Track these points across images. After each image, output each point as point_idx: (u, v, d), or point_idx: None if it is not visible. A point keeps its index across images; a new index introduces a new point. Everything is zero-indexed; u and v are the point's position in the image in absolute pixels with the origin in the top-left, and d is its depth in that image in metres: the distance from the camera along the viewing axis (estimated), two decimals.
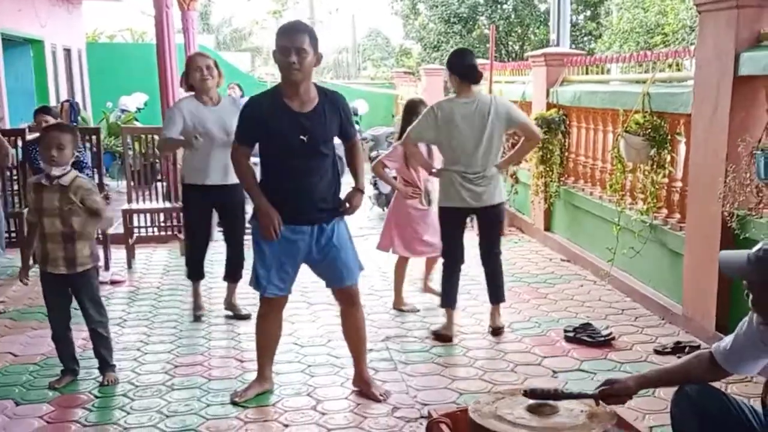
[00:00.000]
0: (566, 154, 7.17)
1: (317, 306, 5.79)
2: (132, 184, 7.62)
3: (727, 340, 2.74)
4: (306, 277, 6.44)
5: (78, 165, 7.17)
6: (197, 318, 5.51)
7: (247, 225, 4.48)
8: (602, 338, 4.87)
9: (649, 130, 5.43)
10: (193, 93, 5.34)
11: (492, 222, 5.14)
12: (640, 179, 5.71)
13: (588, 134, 6.83)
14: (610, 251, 5.88)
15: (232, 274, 5.59)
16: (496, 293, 5.17)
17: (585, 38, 18.96)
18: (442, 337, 5.00)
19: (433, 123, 4.86)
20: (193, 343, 5.04)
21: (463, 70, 4.90)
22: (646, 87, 5.58)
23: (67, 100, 12.46)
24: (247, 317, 5.43)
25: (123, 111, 13.72)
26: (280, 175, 3.86)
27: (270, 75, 19.00)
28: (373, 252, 7.57)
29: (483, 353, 4.79)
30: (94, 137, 7.93)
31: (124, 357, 4.76)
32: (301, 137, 3.74)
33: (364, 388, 4.16)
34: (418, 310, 5.63)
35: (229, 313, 5.59)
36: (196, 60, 5.30)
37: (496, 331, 5.08)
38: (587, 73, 6.99)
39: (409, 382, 4.33)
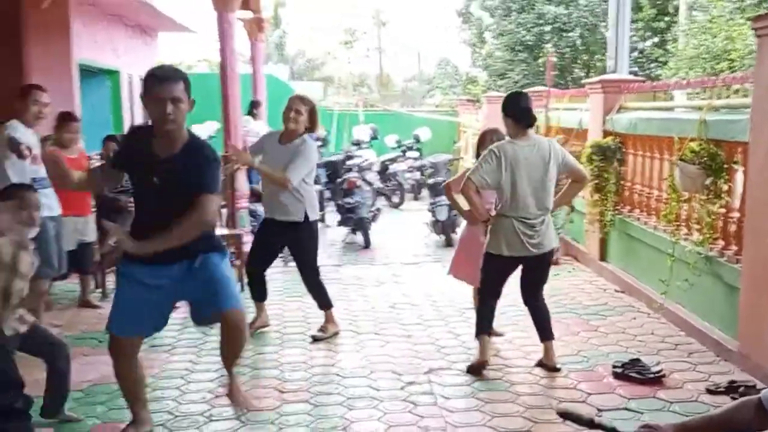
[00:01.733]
0: (622, 182, 7.00)
1: (364, 336, 5.76)
2: None
3: None
4: (355, 306, 6.50)
5: None
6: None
7: None
8: (652, 375, 4.70)
9: (705, 159, 5.26)
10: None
11: (542, 269, 5.02)
12: (695, 209, 5.52)
13: (644, 162, 6.65)
14: (663, 283, 5.69)
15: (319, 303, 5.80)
16: (544, 331, 5.04)
17: (652, 65, 18.61)
18: (478, 366, 4.89)
19: (497, 167, 4.72)
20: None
21: (518, 113, 4.82)
22: (703, 114, 5.41)
23: None
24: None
25: None
26: (138, 216, 3.82)
27: (337, 104, 19.24)
28: (424, 280, 7.58)
29: (527, 389, 4.67)
30: None
31: (168, 386, 4.81)
32: (154, 179, 3.60)
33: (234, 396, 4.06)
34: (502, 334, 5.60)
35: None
36: (292, 100, 5.51)
37: (551, 369, 4.93)
38: (654, 99, 6.79)
39: (448, 417, 4.24)
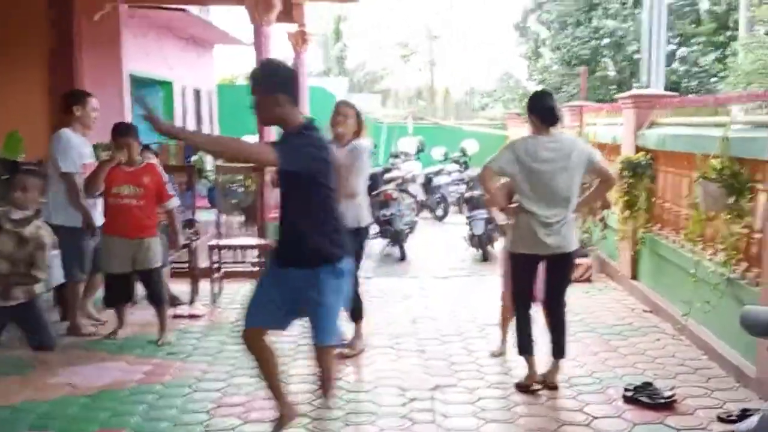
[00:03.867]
0: (653, 199, 6.81)
1: (377, 350, 5.73)
2: (244, 219, 8.07)
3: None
4: (375, 319, 6.47)
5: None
6: None
7: None
8: (663, 400, 4.54)
9: (727, 177, 5.08)
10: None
11: (563, 270, 4.93)
12: (720, 228, 5.33)
13: (674, 179, 6.46)
14: (685, 304, 5.50)
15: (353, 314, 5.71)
16: (558, 348, 4.92)
17: (712, 79, 18.15)
18: (528, 387, 4.83)
19: (513, 158, 4.70)
20: (244, 382, 5.05)
21: (543, 111, 4.78)
22: (725, 131, 5.23)
23: None
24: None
25: None
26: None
27: (386, 116, 19.29)
28: (451, 294, 7.51)
29: (530, 409, 4.56)
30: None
31: (175, 394, 4.85)
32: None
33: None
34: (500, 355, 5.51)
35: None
36: (339, 105, 5.57)
37: (551, 388, 4.83)
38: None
39: None
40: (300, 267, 3.81)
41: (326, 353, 4.00)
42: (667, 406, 4.50)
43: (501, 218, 5.03)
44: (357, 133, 5.51)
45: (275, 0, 8.09)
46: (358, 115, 5.53)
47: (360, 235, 5.56)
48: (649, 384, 4.74)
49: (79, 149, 5.98)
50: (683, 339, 5.77)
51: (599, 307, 6.83)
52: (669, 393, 4.62)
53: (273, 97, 3.71)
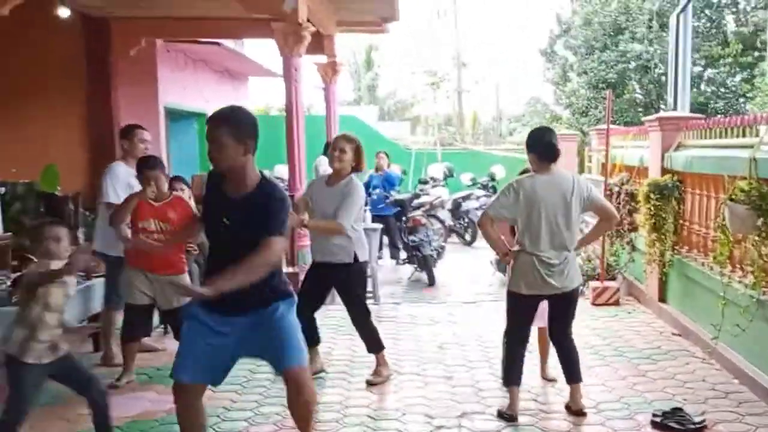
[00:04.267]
0: (681, 221, 6.76)
1: (404, 376, 5.72)
2: None
3: None
4: (403, 345, 6.44)
5: None
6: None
7: None
8: (693, 426, 4.49)
9: (755, 198, 5.04)
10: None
11: (568, 308, 4.88)
12: (748, 251, 5.27)
13: (701, 201, 6.42)
14: (715, 327, 5.44)
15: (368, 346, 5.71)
16: (572, 373, 4.88)
17: (740, 100, 18.00)
18: (507, 417, 4.76)
19: (514, 200, 4.66)
20: (272, 411, 5.08)
21: (542, 149, 4.73)
22: (754, 152, 5.20)
23: None
24: None
25: (277, 179, 14.39)
26: (211, 258, 3.81)
27: (414, 143, 19.34)
28: (478, 320, 7.49)
29: None
30: None
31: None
32: (224, 220, 3.63)
33: None
34: (556, 381, 5.40)
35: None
36: (336, 140, 5.55)
37: (577, 413, 4.78)
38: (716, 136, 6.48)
39: None
40: (253, 309, 3.67)
41: (298, 375, 3.73)
42: None
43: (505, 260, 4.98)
44: (356, 167, 5.51)
45: (305, 32, 8.17)
46: (357, 148, 5.49)
47: (356, 269, 5.51)
48: (678, 409, 4.69)
49: (128, 180, 6.04)
50: (713, 363, 5.70)
51: (627, 331, 6.77)
52: (699, 419, 4.57)
53: (242, 145, 3.58)
